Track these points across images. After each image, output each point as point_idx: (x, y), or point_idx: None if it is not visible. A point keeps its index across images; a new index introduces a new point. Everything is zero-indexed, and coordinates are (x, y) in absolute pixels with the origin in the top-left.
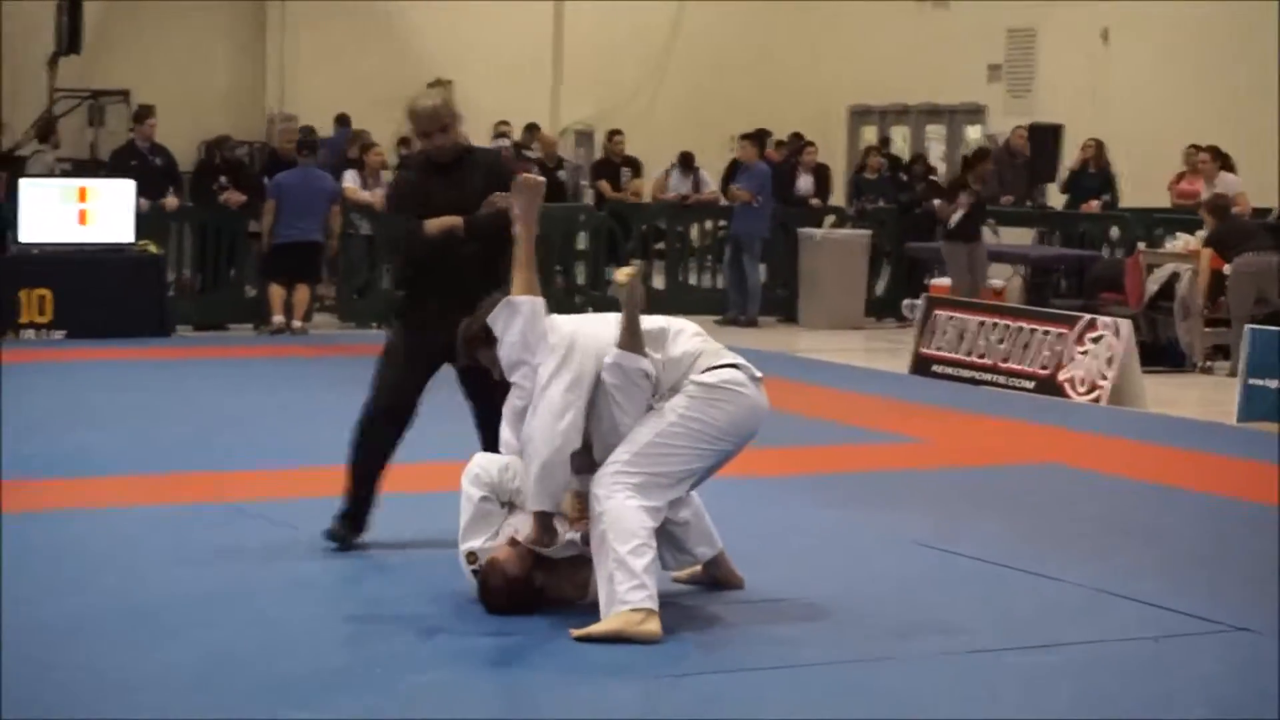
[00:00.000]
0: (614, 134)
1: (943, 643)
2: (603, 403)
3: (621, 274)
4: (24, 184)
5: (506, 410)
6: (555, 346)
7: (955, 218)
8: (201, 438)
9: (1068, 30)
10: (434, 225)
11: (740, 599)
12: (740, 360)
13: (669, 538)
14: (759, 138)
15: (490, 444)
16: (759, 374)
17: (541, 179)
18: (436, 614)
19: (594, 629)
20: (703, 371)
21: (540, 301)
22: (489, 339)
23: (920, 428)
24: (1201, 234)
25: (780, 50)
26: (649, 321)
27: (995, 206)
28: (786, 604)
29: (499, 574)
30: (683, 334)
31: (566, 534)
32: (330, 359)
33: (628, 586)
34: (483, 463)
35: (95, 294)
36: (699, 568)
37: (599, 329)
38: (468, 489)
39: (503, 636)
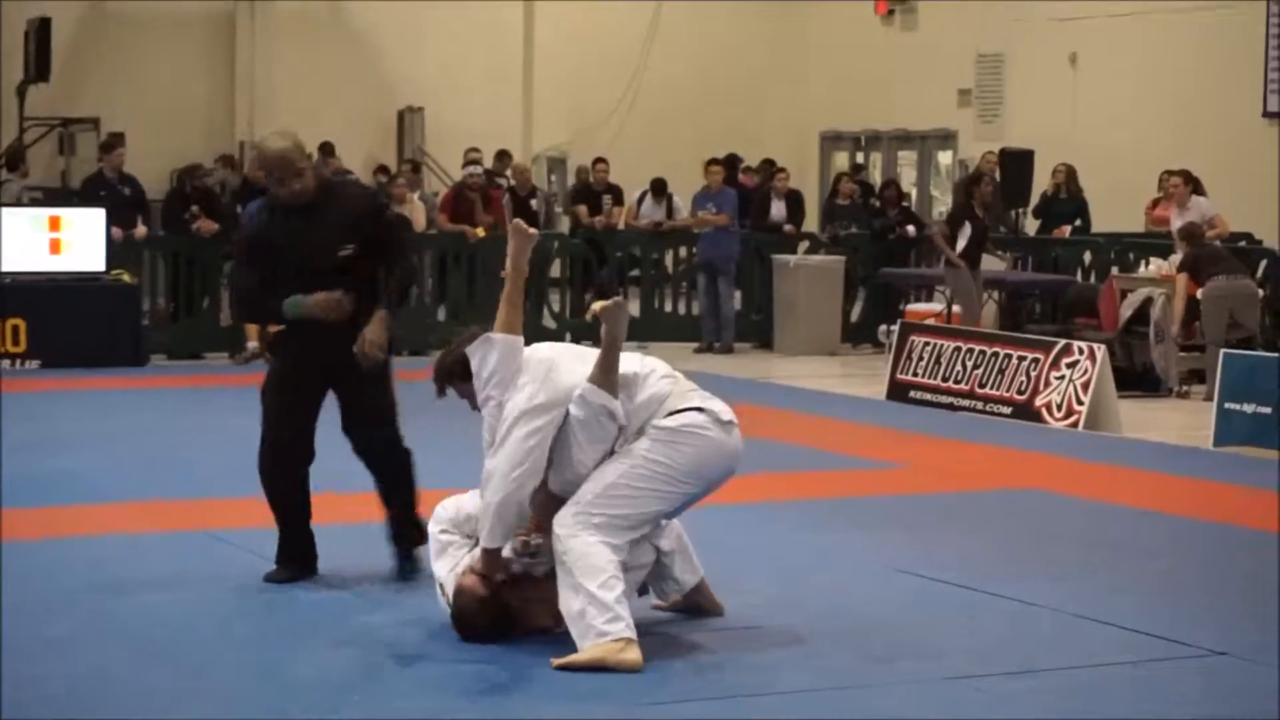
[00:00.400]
0: (598, 162)
1: (921, 668)
2: (564, 434)
3: (599, 305)
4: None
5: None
6: (529, 380)
7: (961, 244)
8: (178, 466)
9: (1037, 55)
10: (317, 304)
11: (719, 626)
12: (707, 404)
13: (655, 567)
14: (729, 163)
15: (376, 468)
16: (728, 417)
17: (534, 231)
18: (416, 641)
19: (575, 658)
20: (666, 415)
21: (518, 340)
22: (465, 373)
23: (898, 453)
24: (1175, 258)
25: (752, 77)
26: (622, 363)
27: None
28: (765, 630)
29: (470, 598)
30: (652, 376)
31: (514, 565)
32: None
33: (604, 620)
34: (445, 501)
35: (69, 323)
36: (679, 596)
37: (576, 365)
38: (429, 526)
39: (483, 664)
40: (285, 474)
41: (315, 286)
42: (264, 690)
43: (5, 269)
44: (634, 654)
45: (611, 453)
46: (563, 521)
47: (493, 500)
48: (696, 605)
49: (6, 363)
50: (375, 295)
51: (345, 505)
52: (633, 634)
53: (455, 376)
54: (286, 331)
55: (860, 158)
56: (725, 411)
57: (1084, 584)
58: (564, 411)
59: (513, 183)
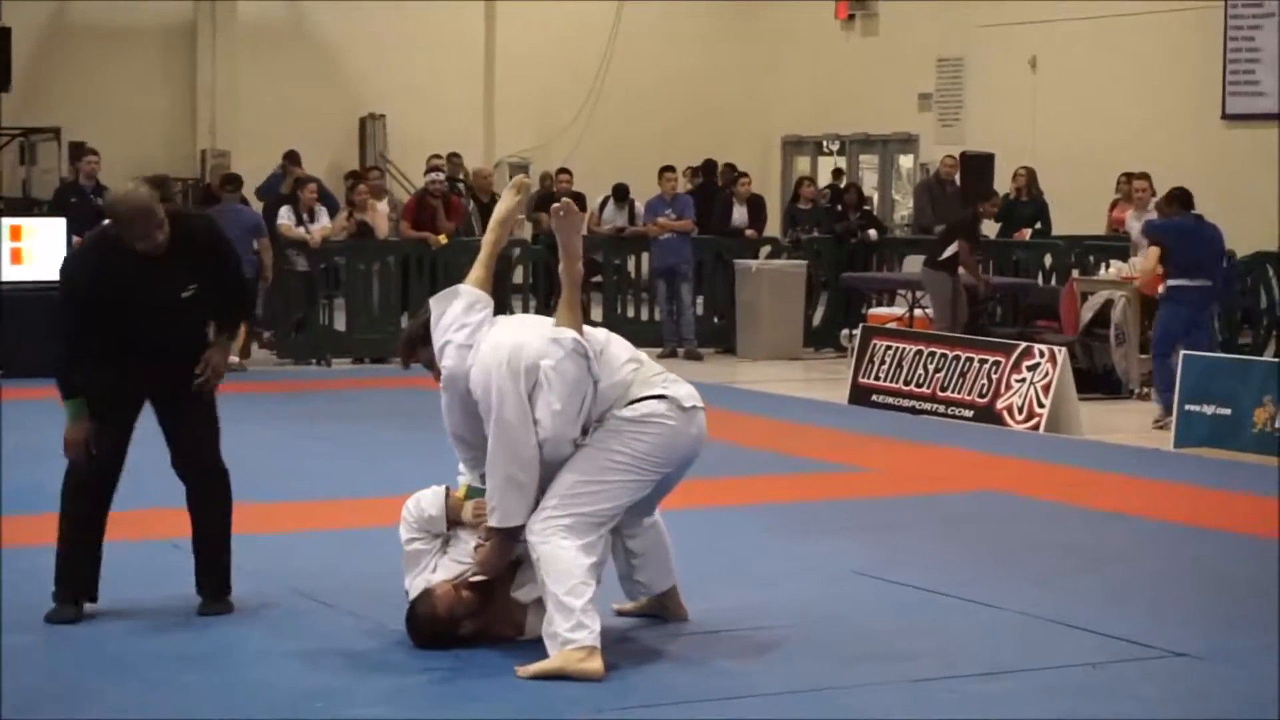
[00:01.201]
0: (561, 172)
1: (889, 670)
2: (538, 398)
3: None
4: None
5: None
6: (505, 361)
7: (950, 250)
8: (136, 475)
9: (996, 59)
10: (71, 434)
11: (684, 631)
12: (670, 390)
13: (624, 568)
14: (708, 168)
15: (187, 476)
16: (691, 402)
17: (574, 207)
18: (377, 651)
19: (537, 667)
20: (626, 405)
21: (485, 297)
22: (427, 336)
23: (861, 457)
24: (1135, 260)
25: (713, 82)
26: (592, 331)
27: (928, 235)
28: (731, 635)
29: (427, 606)
30: (616, 360)
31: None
32: (269, 395)
33: (568, 626)
34: (409, 504)
35: (32, 333)
36: (643, 599)
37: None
38: (400, 533)
39: (448, 672)
40: (93, 504)
41: (157, 326)
42: (228, 701)
43: None
44: (595, 663)
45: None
46: (533, 528)
47: (499, 476)
48: (662, 610)
49: None
50: (218, 319)
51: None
52: (596, 642)
53: (418, 340)
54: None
55: (839, 162)
56: (689, 397)
57: (1048, 586)
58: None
59: (472, 188)
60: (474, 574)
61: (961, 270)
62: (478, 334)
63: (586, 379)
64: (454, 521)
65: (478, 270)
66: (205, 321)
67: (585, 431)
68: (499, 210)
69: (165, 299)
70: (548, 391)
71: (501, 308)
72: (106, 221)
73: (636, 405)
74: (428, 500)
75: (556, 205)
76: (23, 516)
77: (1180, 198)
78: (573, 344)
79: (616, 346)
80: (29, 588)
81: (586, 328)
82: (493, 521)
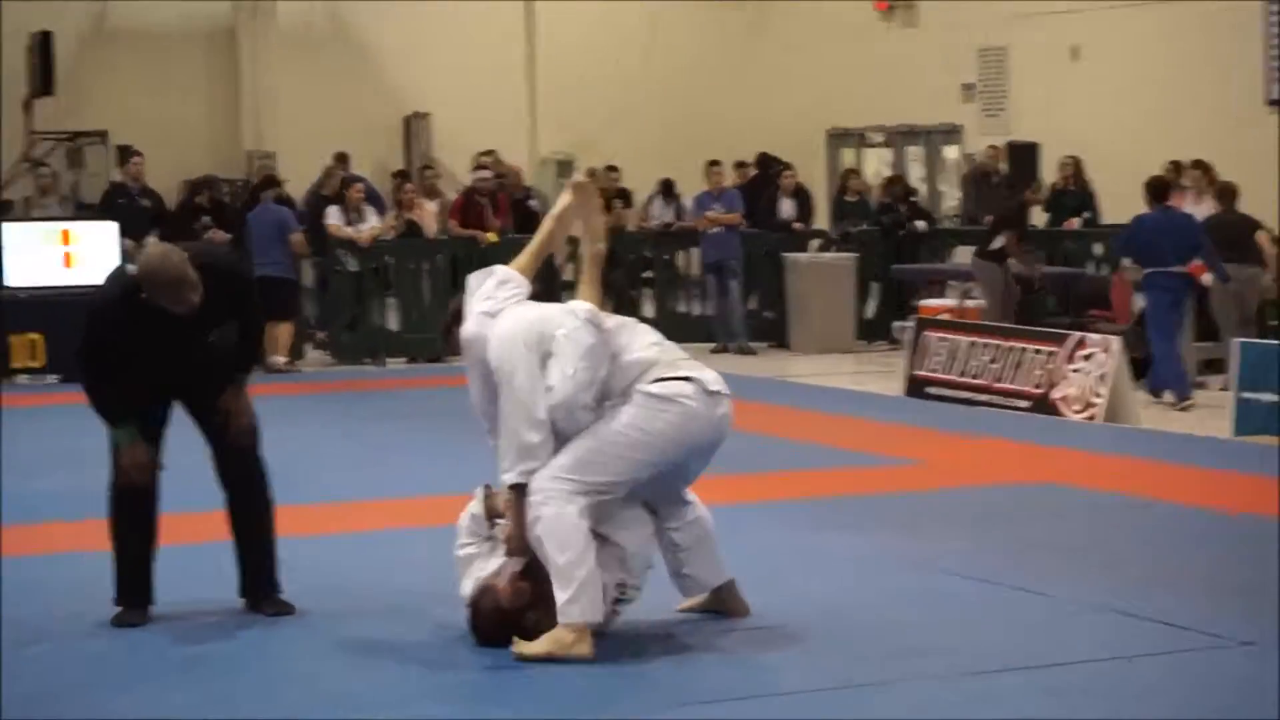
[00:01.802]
0: (610, 169)
1: (938, 665)
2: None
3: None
4: (6, 228)
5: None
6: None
7: (998, 241)
8: (193, 477)
9: (1038, 49)
10: (129, 456)
11: (734, 627)
12: (697, 374)
13: (672, 564)
14: (762, 163)
15: (228, 482)
16: (716, 386)
17: (587, 180)
18: (436, 649)
19: (528, 649)
20: (652, 381)
21: (521, 279)
22: (457, 318)
23: (916, 450)
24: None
25: (756, 75)
26: (610, 317)
27: (976, 226)
28: (779, 629)
29: (490, 600)
30: (638, 340)
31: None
32: (322, 395)
33: (564, 599)
34: (465, 514)
35: None
36: (704, 595)
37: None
38: (456, 542)
39: (506, 669)
40: (139, 516)
41: (178, 367)
42: (291, 702)
43: (12, 284)
44: (584, 646)
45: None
46: (538, 485)
47: (520, 431)
48: (720, 605)
49: (25, 377)
50: (231, 362)
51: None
52: (590, 617)
53: (454, 320)
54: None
55: (887, 155)
56: (714, 381)
57: (1106, 577)
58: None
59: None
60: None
61: (1011, 260)
62: (500, 308)
63: (601, 348)
64: (495, 516)
65: (523, 258)
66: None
67: (602, 404)
68: (556, 207)
69: (191, 343)
70: (561, 357)
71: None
72: (130, 269)
73: (662, 384)
74: (474, 503)
75: (573, 182)
76: (72, 523)
77: (1153, 189)
78: (586, 313)
79: (636, 328)
80: (89, 593)
81: (611, 317)
82: (505, 478)
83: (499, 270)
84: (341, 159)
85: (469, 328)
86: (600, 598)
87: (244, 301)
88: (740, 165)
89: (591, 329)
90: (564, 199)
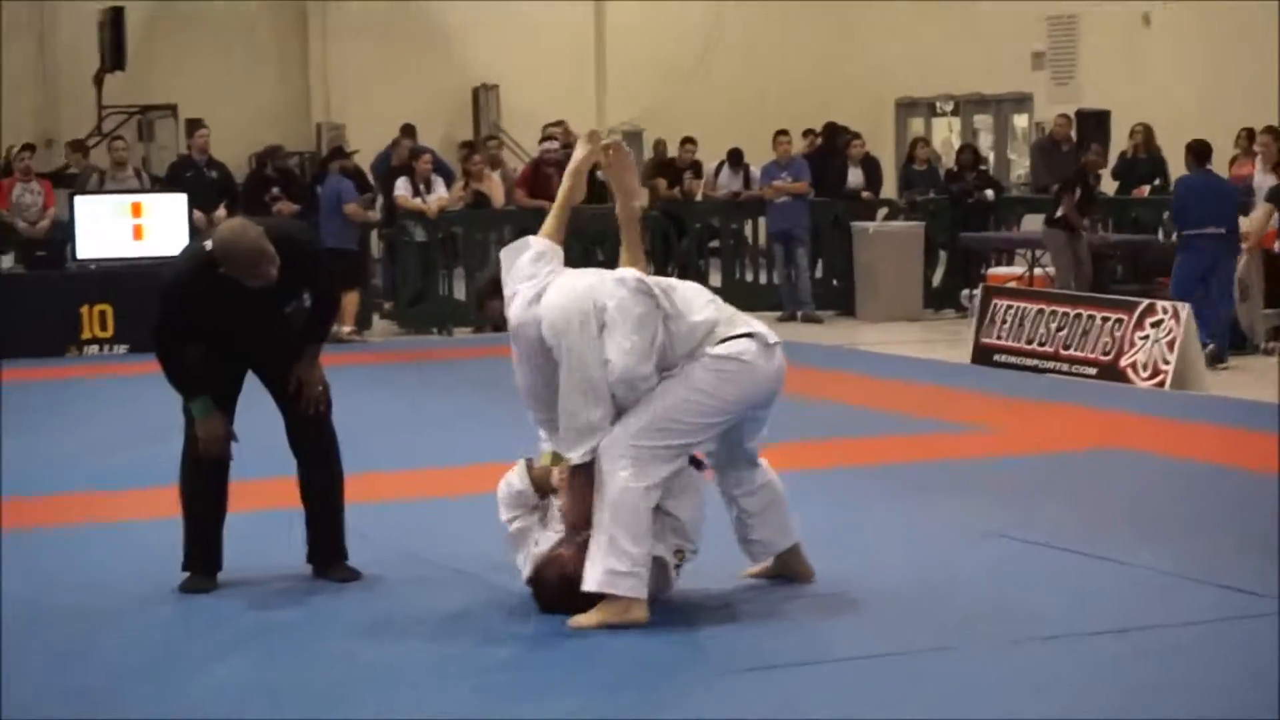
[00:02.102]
0: (686, 141)
1: (1013, 630)
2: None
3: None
4: (79, 201)
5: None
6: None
7: (1062, 207)
8: (261, 444)
9: (1109, 15)
10: (207, 430)
11: (808, 591)
12: (755, 327)
13: (740, 530)
14: (829, 131)
15: (299, 449)
16: (773, 339)
17: (623, 145)
18: (501, 616)
19: (583, 620)
20: (718, 342)
21: (557, 248)
22: (497, 289)
23: (985, 416)
24: (1256, 214)
25: (824, 45)
26: (657, 279)
27: (1044, 195)
28: (854, 595)
29: (555, 569)
30: (698, 299)
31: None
32: (390, 365)
33: (623, 570)
34: (502, 484)
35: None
36: (769, 561)
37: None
38: (500, 515)
39: (569, 635)
40: (209, 484)
41: (253, 340)
42: (359, 667)
43: (85, 256)
44: (638, 612)
45: (660, 371)
46: (607, 453)
47: (583, 408)
48: (785, 569)
49: (94, 348)
50: (305, 331)
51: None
52: (642, 592)
53: (487, 295)
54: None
55: (955, 124)
56: (770, 334)
57: (1176, 543)
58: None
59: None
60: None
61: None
62: (544, 284)
63: (654, 314)
64: (544, 490)
65: (550, 222)
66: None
67: (664, 370)
68: (572, 161)
69: (266, 316)
70: (615, 331)
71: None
72: (206, 244)
73: (726, 344)
74: (519, 480)
75: (606, 143)
76: (146, 490)
77: (1195, 152)
78: (635, 282)
79: (688, 289)
80: (160, 560)
81: (650, 277)
82: (570, 456)
83: (532, 242)
84: (407, 131)
85: (515, 312)
86: (647, 577)
87: (317, 273)
88: (808, 134)
89: (641, 297)
90: (579, 151)
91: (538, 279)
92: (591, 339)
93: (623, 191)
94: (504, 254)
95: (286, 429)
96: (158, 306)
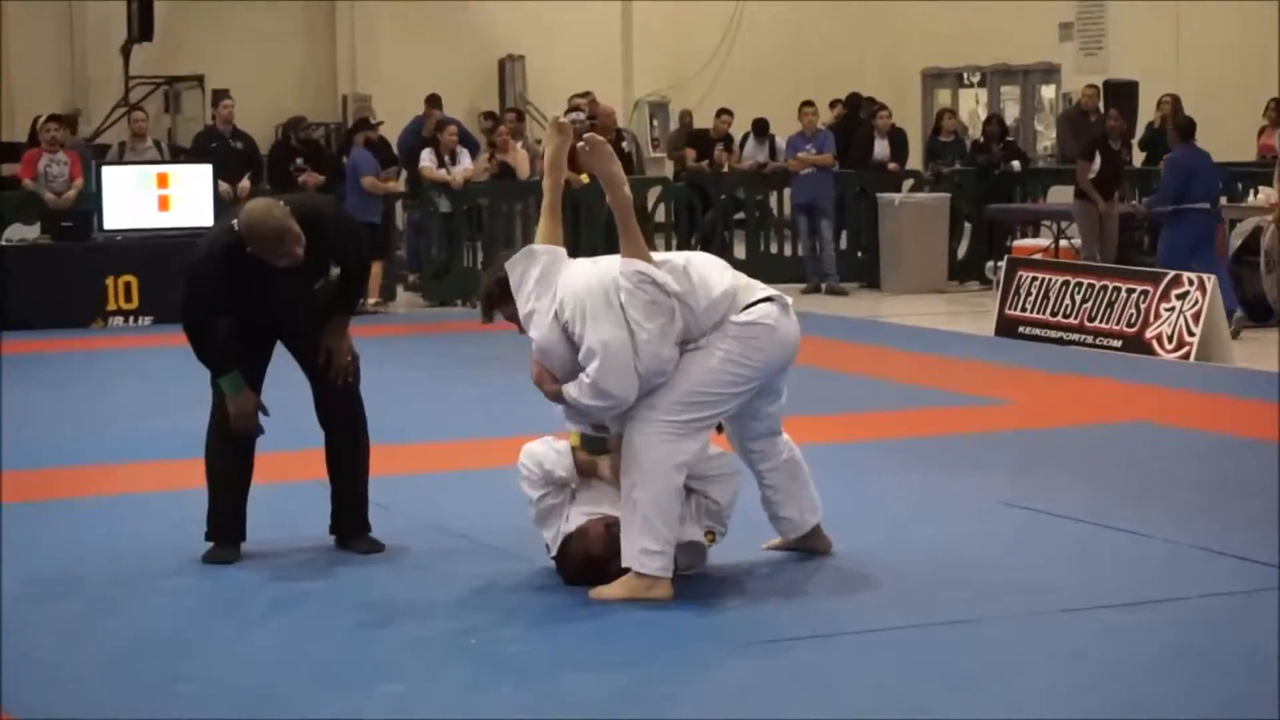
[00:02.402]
0: (722, 112)
1: (1034, 602)
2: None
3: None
4: (106, 171)
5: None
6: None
7: (1090, 176)
8: (288, 418)
9: None
10: (238, 406)
11: (827, 564)
12: (770, 291)
13: (769, 508)
14: (851, 102)
15: (327, 420)
16: (788, 299)
17: (569, 121)
18: (525, 587)
19: (606, 592)
20: (742, 310)
21: (561, 251)
22: (506, 293)
23: (1008, 389)
24: None
25: (851, 15)
26: (668, 256)
27: (1071, 166)
28: (873, 568)
29: (582, 545)
30: (713, 271)
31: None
32: (414, 336)
33: (653, 549)
34: (528, 462)
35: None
36: (791, 536)
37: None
38: (525, 491)
39: (594, 607)
40: (236, 455)
41: (283, 316)
42: (380, 638)
43: (111, 227)
44: (661, 590)
45: (686, 345)
46: (641, 428)
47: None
48: (804, 543)
49: (119, 319)
50: (335, 302)
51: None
52: (667, 572)
53: (496, 298)
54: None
55: (983, 95)
56: (785, 297)
57: (1198, 515)
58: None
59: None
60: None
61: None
62: (562, 295)
63: (663, 300)
64: (589, 475)
65: (545, 220)
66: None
67: (689, 344)
68: (546, 155)
69: (296, 293)
70: (629, 321)
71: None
72: (234, 223)
73: (750, 310)
74: (551, 461)
75: (581, 143)
76: (170, 462)
77: (1181, 129)
78: (636, 277)
79: (702, 261)
80: (185, 531)
81: (660, 254)
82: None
83: (537, 252)
84: (433, 101)
85: (537, 335)
86: (673, 556)
87: (345, 246)
88: (834, 104)
89: (645, 288)
90: (550, 144)
91: (553, 289)
92: (615, 321)
93: (609, 184)
94: (509, 266)
95: (315, 400)
96: (186, 285)
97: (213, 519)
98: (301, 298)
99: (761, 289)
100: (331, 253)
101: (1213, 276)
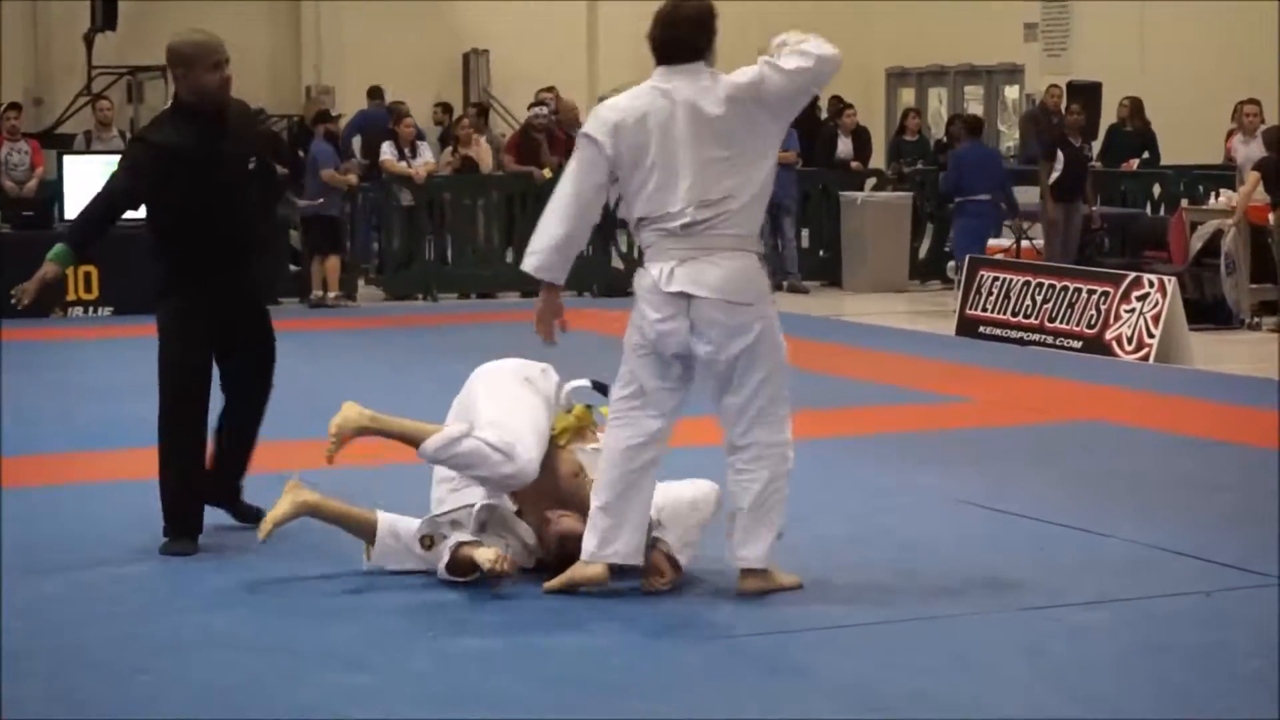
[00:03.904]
0: None
1: (993, 600)
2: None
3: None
4: (67, 161)
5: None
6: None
7: (1054, 175)
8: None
9: None
10: (44, 277)
11: (790, 560)
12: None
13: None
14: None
15: (235, 389)
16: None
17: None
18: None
19: (553, 583)
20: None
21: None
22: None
23: (968, 388)
24: (1244, 190)
25: (816, 14)
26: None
27: (1033, 166)
28: (837, 564)
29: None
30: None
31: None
32: (376, 330)
33: (594, 541)
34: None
35: (141, 270)
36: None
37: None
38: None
39: (549, 599)
40: (189, 433)
41: (226, 196)
42: (340, 632)
43: (73, 216)
44: (595, 569)
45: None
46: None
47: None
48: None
49: (79, 310)
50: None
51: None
52: (604, 557)
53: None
54: (185, 276)
55: (942, 95)
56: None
57: (1156, 515)
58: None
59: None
60: None
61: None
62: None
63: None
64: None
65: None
66: (261, 218)
67: None
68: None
69: (233, 170)
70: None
71: (606, 240)
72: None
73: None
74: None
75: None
76: (125, 451)
77: (969, 126)
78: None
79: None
80: (132, 517)
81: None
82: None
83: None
84: (374, 94)
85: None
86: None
87: (265, 144)
88: None
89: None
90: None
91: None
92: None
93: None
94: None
95: (223, 375)
96: (124, 152)
97: (167, 511)
98: (237, 177)
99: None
100: (253, 135)
101: (1173, 279)
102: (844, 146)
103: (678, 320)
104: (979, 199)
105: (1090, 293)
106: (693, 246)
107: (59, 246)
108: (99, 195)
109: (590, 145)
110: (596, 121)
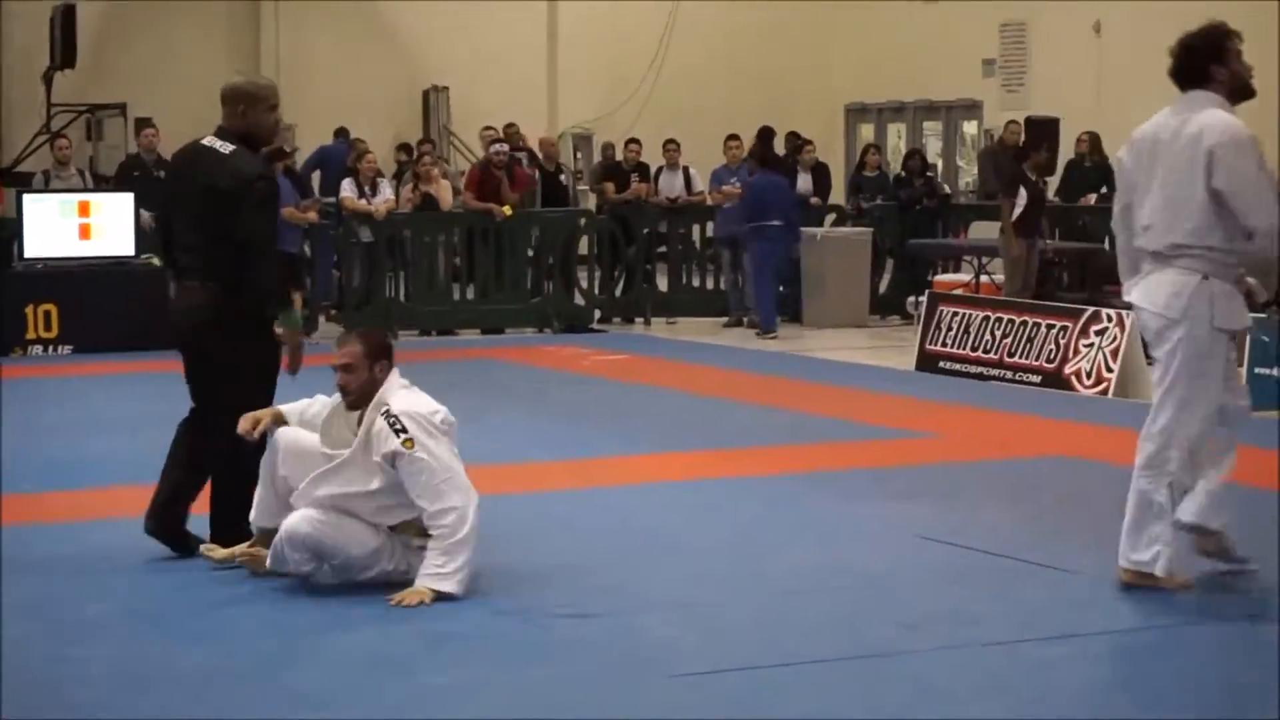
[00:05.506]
0: (630, 142)
1: (954, 635)
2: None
3: None
4: (26, 199)
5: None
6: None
7: (1016, 212)
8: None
9: (1059, 23)
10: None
11: (753, 596)
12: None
13: None
14: (764, 134)
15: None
16: None
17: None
18: (448, 613)
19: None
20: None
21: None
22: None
23: (928, 423)
24: None
25: (776, 50)
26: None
27: (991, 201)
28: (796, 600)
29: None
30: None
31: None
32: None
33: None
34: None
35: (101, 308)
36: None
37: None
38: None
39: (523, 616)
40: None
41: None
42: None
43: (33, 255)
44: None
45: None
46: None
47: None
48: None
49: (39, 348)
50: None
51: None
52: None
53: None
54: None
55: (901, 131)
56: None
57: (1116, 549)
58: None
59: (540, 157)
60: None
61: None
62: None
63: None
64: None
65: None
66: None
67: None
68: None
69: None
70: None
71: (569, 277)
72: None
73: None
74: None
75: None
76: (99, 490)
77: (759, 158)
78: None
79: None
80: (102, 559)
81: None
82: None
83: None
84: (341, 134)
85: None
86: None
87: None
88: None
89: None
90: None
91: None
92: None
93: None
94: None
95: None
96: (265, 213)
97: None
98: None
99: None
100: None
101: (1131, 314)
102: (804, 182)
103: None
104: (771, 224)
105: (1049, 327)
106: None
107: (285, 315)
108: (272, 239)
109: None
110: None
